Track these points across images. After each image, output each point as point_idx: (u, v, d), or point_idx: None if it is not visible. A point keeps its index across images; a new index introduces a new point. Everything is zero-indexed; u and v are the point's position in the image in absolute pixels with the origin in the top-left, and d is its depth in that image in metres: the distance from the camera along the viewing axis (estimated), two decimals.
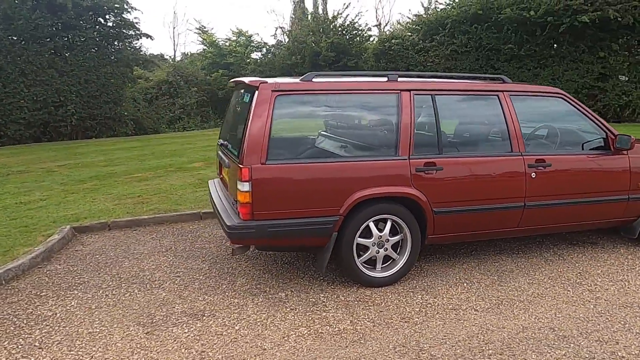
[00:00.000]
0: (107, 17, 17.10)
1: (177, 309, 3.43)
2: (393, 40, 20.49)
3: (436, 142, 3.75)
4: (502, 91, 4.04)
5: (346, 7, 29.81)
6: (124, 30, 17.55)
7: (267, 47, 25.32)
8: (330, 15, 23.40)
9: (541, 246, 4.64)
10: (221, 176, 4.41)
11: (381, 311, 3.34)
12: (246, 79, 3.86)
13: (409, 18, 22.60)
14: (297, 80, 3.62)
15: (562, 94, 4.23)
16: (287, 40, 24.25)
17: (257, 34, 33.66)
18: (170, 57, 28.54)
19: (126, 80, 18.30)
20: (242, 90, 4.03)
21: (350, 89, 3.72)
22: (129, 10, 17.05)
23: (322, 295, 3.62)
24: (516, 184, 3.91)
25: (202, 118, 23.12)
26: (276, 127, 3.40)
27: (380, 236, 3.66)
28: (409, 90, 3.75)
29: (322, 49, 21.87)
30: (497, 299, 3.54)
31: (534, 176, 3.93)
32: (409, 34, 21.40)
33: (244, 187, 3.32)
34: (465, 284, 3.80)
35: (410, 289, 3.72)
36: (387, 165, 3.61)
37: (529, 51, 18.93)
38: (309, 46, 22.23)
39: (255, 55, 25.58)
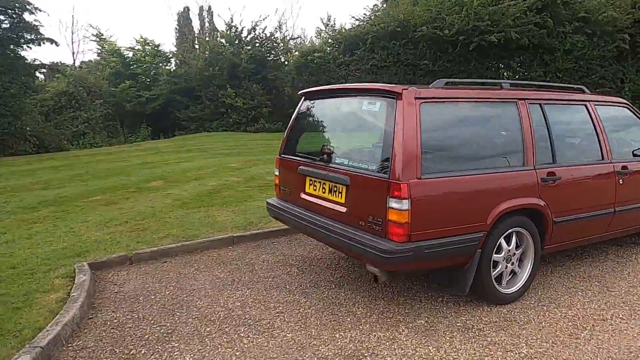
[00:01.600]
0: (1, 17, 14.84)
1: (329, 353, 2.91)
2: (315, 54, 20.61)
3: (550, 151, 3.71)
4: (589, 101, 4.15)
5: (263, 19, 29.35)
6: (23, 34, 15.35)
7: (182, 57, 23.98)
8: (240, 26, 22.87)
9: (604, 250, 4.85)
10: (306, 195, 3.88)
11: (541, 329, 3.17)
12: (375, 85, 3.44)
13: (327, 33, 22.95)
14: (428, 87, 3.34)
15: (627, 104, 4.48)
16: (199, 51, 23.19)
17: (163, 43, 31.67)
18: (69, 65, 25.58)
19: (27, 91, 16.00)
20: (358, 97, 3.59)
21: (480, 98, 3.54)
22: (32, 11, 14.95)
23: (463, 317, 3.34)
24: (611, 191, 4.02)
25: (109, 133, 21.13)
26: (424, 137, 3.08)
27: (509, 250, 3.51)
28: (524, 99, 3.68)
29: (242, 60, 21.30)
30: (626, 304, 3.57)
31: (621, 182, 4.08)
32: (328, 48, 21.69)
33: (403, 205, 2.93)
34: (580, 293, 3.79)
35: (538, 302, 3.61)
36: (520, 176, 3.47)
37: (442, 67, 20.26)
38: (228, 57, 21.51)
39: (166, 66, 24.07)
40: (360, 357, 2.85)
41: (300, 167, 3.93)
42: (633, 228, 4.46)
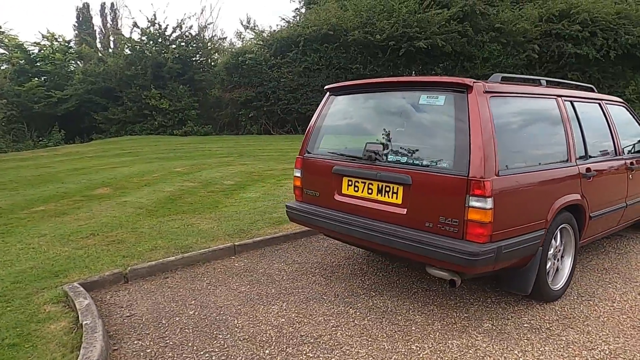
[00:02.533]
0: None
1: None
2: (247, 55, 20.06)
3: (583, 147, 3.77)
4: (602, 100, 4.30)
5: (189, 17, 27.87)
6: None
7: (100, 54, 22.12)
8: (164, 24, 21.67)
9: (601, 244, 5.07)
10: (342, 197, 3.57)
11: (604, 324, 3.17)
12: (436, 78, 3.24)
13: (257, 33, 22.45)
14: (488, 82, 3.21)
15: (624, 103, 4.72)
16: (119, 48, 21.59)
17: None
18: None
19: None
20: (412, 91, 3.35)
21: (534, 93, 3.49)
22: None
23: (525, 317, 3.25)
24: (624, 185, 4.20)
25: (14, 137, 18.94)
26: (498, 132, 2.95)
27: (556, 246, 3.50)
28: (561, 96, 3.71)
29: (168, 60, 20.17)
30: None
31: (630, 178, 4.27)
32: (256, 50, 21.21)
33: (486, 203, 2.77)
34: (610, 286, 3.88)
35: (579, 297, 3.63)
36: (569, 172, 3.48)
37: (372, 71, 20.69)
38: (151, 56, 20.25)
39: (79, 63, 22.08)
40: None
41: (335, 167, 3.62)
42: (632, 221, 4.72)
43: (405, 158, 3.19)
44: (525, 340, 2.93)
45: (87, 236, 5.13)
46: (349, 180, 3.54)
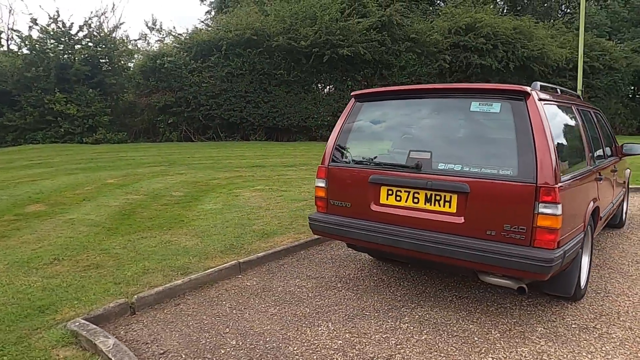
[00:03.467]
0: None
1: None
2: (166, 58, 19.00)
3: (593, 152, 4.01)
4: (590, 107, 4.62)
5: (99, 16, 25.51)
6: None
7: None
8: (69, 22, 19.80)
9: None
10: (381, 207, 3.41)
11: (636, 317, 3.37)
12: (490, 85, 3.17)
13: (174, 35, 21.37)
14: (539, 90, 3.25)
15: (599, 110, 5.12)
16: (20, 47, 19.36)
17: None
18: None
19: None
20: (461, 98, 3.29)
21: (566, 102, 3.63)
22: None
23: (568, 319, 3.34)
24: (612, 187, 4.54)
25: None
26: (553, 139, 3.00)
27: None
28: (574, 104, 3.91)
29: (75, 61, 18.48)
30: None
31: (614, 179, 4.64)
32: (175, 52, 20.22)
33: (557, 210, 2.78)
34: (622, 280, 4.16)
35: (599, 293, 3.83)
36: (593, 176, 3.66)
37: (296, 77, 20.71)
38: (55, 57, 18.42)
39: None
40: None
41: (372, 176, 3.47)
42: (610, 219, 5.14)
43: (460, 166, 3.13)
44: (584, 342, 3.01)
45: (51, 262, 4.45)
46: (388, 190, 3.40)
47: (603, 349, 2.92)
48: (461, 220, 3.08)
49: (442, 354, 2.85)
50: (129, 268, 4.21)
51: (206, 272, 4.00)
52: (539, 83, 3.35)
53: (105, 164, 12.77)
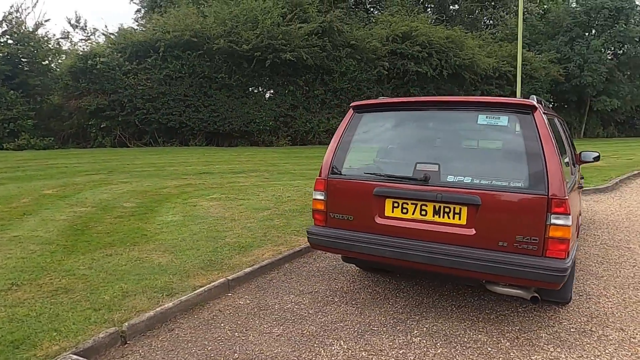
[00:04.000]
0: None
1: None
2: (98, 58, 17.90)
3: (572, 162, 4.22)
4: (556, 115, 4.87)
5: (16, 11, 23.39)
6: None
7: None
8: None
9: None
10: (386, 219, 3.37)
11: (624, 318, 3.57)
12: (496, 99, 3.18)
13: (105, 34, 20.20)
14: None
15: (562, 118, 5.42)
16: None
17: None
18: None
19: None
20: (467, 111, 3.30)
21: (553, 114, 3.76)
22: None
23: (565, 323, 3.46)
24: (578, 194, 4.82)
25: None
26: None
27: None
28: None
29: None
30: None
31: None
32: (108, 53, 19.15)
33: (568, 220, 2.88)
34: (589, 283, 4.40)
35: (580, 297, 4.03)
36: (576, 183, 3.84)
37: (237, 81, 20.35)
38: None
39: None
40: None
41: (377, 188, 3.42)
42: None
43: (470, 178, 3.16)
44: (588, 346, 3.13)
45: (9, 288, 3.99)
46: (394, 202, 3.37)
47: (606, 351, 3.05)
48: (472, 232, 3.11)
49: (445, 355, 2.85)
50: (105, 291, 3.86)
51: (195, 292, 3.75)
52: (534, 96, 3.46)
53: (34, 172, 11.79)
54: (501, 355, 2.99)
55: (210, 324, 3.43)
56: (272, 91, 21.80)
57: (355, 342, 3.15)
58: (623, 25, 30.06)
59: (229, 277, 4.07)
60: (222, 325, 3.42)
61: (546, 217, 2.90)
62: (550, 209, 2.88)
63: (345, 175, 3.59)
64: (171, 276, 4.21)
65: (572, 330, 3.35)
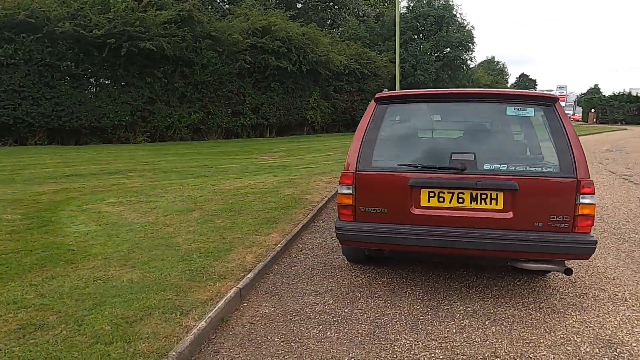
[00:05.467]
0: None
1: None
2: None
3: None
4: None
5: None
6: None
7: None
8: None
9: None
10: (422, 209, 3.39)
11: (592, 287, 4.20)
12: (520, 92, 3.37)
13: None
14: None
15: None
16: None
17: None
18: None
19: None
20: (495, 103, 3.43)
21: None
22: None
23: (558, 295, 3.96)
24: None
25: None
26: None
27: None
28: None
29: None
30: None
31: None
32: None
33: (593, 199, 3.23)
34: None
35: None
36: None
37: (85, 70, 18.13)
38: None
39: None
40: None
41: (412, 179, 3.44)
42: None
43: (506, 165, 3.38)
44: (595, 306, 3.60)
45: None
46: (430, 192, 3.44)
47: (611, 308, 3.57)
48: (510, 215, 3.34)
49: (529, 341, 3.05)
50: (95, 320, 3.19)
51: (218, 306, 3.31)
52: (545, 91, 3.83)
53: None
54: (542, 324, 3.28)
55: (255, 340, 3.07)
56: (124, 83, 19.83)
57: (417, 333, 3.15)
58: (445, 31, 34.57)
59: (239, 287, 3.67)
60: (270, 337, 3.10)
61: (576, 198, 3.26)
62: (580, 190, 3.25)
63: (376, 167, 3.52)
64: (162, 293, 3.65)
65: (571, 295, 3.82)
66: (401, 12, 36.24)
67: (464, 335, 3.12)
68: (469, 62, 37.37)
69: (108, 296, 3.57)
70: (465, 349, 2.94)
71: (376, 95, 3.69)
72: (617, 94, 49.72)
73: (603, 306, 3.60)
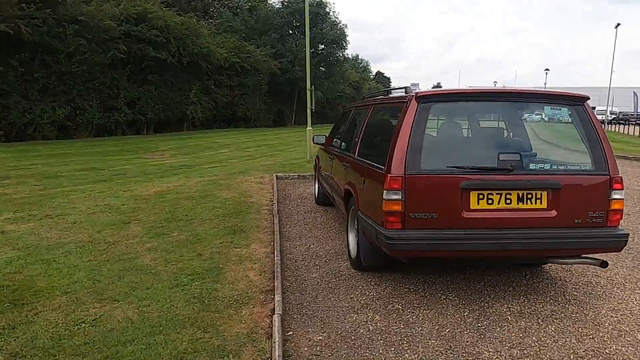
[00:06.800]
0: None
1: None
2: None
3: None
4: None
5: None
6: None
7: None
8: None
9: None
10: (472, 212, 3.24)
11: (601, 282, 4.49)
12: (554, 91, 3.33)
13: None
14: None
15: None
16: None
17: None
18: None
19: None
20: (537, 102, 3.36)
21: None
22: None
23: (571, 285, 4.15)
24: None
25: None
26: None
27: None
28: None
29: None
30: None
31: None
32: None
33: (622, 194, 3.40)
34: None
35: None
36: None
37: None
38: None
39: None
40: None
41: (464, 181, 3.28)
42: None
43: (549, 165, 3.40)
44: (609, 295, 3.85)
45: None
46: (479, 194, 3.32)
47: (623, 295, 3.83)
48: (553, 213, 3.37)
49: (592, 337, 3.11)
50: None
51: (276, 340, 2.79)
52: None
53: None
54: (584, 317, 3.39)
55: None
56: None
57: (490, 342, 3.01)
58: (320, 28, 35.30)
59: (279, 312, 3.17)
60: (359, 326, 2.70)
61: (609, 194, 3.42)
62: (612, 186, 3.41)
63: (425, 170, 3.30)
64: (184, 331, 3.01)
65: (585, 286, 4.03)
66: (277, 7, 36.19)
67: (533, 338, 3.07)
68: (342, 59, 38.69)
69: (116, 345, 2.82)
70: (547, 352, 2.89)
71: (418, 94, 3.43)
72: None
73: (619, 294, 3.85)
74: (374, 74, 74.81)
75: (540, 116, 3.61)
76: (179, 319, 3.15)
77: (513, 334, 3.12)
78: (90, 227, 5.59)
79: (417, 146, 3.30)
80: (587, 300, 3.67)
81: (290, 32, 36.28)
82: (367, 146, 4.23)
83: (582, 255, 3.52)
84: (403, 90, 3.81)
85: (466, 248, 3.26)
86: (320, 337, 3.05)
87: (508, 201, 3.32)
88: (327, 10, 36.05)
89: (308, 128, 12.72)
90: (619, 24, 33.74)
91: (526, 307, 3.53)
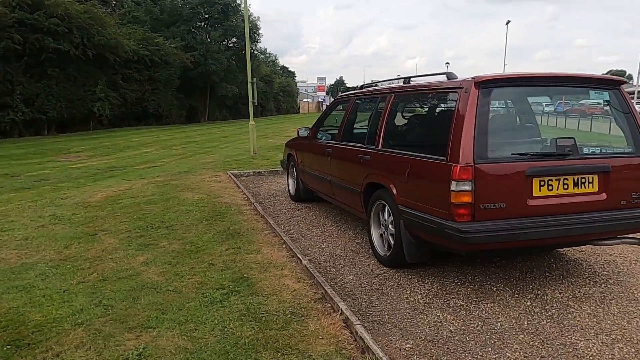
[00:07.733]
0: None
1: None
2: None
3: None
4: None
5: None
6: None
7: None
8: None
9: None
10: (536, 200, 3.14)
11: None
12: (598, 75, 3.32)
13: None
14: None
15: None
16: None
17: None
18: None
19: None
20: (581, 87, 3.30)
21: None
22: None
23: (587, 274, 4.26)
24: None
25: None
26: None
27: None
28: None
29: None
30: None
31: None
32: None
33: None
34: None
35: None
36: None
37: None
38: None
39: None
40: None
41: (529, 168, 3.18)
42: None
43: (599, 148, 3.43)
44: (621, 283, 4.01)
45: None
46: (540, 181, 3.25)
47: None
48: (603, 196, 3.40)
49: (602, 322, 3.11)
50: None
51: (379, 355, 2.50)
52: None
53: None
54: (602, 300, 3.48)
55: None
56: None
57: (581, 331, 2.96)
58: (233, 20, 34.16)
59: (359, 323, 2.85)
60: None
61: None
62: None
63: (493, 159, 3.15)
64: (261, 357, 2.59)
65: (600, 275, 4.16)
66: None
67: (607, 322, 3.07)
68: (256, 52, 37.84)
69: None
70: (632, 335, 2.89)
71: (477, 79, 3.25)
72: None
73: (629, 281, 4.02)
74: (280, 67, 74.32)
75: (588, 99, 3.64)
76: (245, 343, 2.70)
77: (587, 320, 3.09)
78: (51, 243, 4.77)
79: (483, 134, 3.14)
80: (623, 280, 3.77)
81: (200, 23, 34.72)
82: (400, 137, 3.99)
83: (619, 236, 3.60)
84: (444, 76, 3.62)
85: (536, 237, 3.17)
86: (409, 345, 2.79)
87: (565, 186, 3.29)
88: (239, 1, 34.93)
89: (251, 122, 12.16)
90: (509, 21, 36.78)
91: (575, 291, 3.54)
